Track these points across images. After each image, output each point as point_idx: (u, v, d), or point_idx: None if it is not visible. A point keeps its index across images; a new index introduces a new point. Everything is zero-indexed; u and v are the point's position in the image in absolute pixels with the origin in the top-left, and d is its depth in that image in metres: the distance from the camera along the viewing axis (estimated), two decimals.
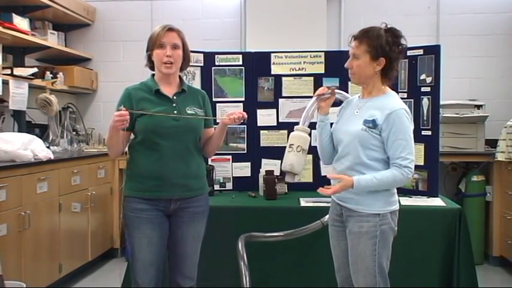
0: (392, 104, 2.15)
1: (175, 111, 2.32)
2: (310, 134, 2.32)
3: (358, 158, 2.17)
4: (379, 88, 2.23)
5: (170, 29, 2.34)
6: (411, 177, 2.14)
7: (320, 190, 2.13)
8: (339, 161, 2.24)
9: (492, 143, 4.36)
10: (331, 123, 2.38)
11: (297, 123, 2.34)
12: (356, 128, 2.18)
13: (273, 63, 3.58)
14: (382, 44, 2.14)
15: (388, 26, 2.21)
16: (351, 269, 2.22)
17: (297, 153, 2.17)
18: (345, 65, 2.24)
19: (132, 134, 2.39)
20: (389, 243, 2.21)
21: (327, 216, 2.68)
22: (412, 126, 2.17)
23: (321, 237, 2.71)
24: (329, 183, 2.39)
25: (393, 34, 2.18)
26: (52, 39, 4.55)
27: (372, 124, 2.14)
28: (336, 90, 2.38)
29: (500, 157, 4.08)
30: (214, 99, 3.52)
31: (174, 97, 2.36)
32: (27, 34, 4.01)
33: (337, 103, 2.45)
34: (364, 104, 2.24)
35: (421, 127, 3.28)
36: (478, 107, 4.41)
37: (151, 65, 2.41)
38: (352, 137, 2.18)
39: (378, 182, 2.11)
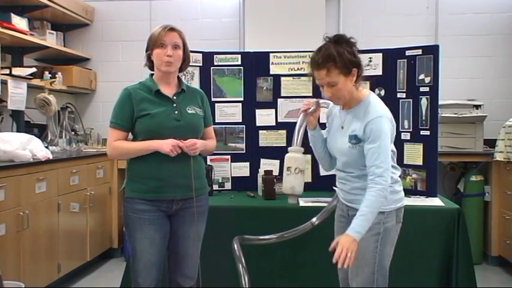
0: (368, 115, 2.13)
1: (176, 112, 2.33)
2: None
3: (359, 171, 2.19)
4: (356, 96, 2.20)
5: (172, 29, 2.34)
6: (388, 184, 2.08)
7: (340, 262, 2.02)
8: (345, 172, 2.25)
9: (491, 143, 4.36)
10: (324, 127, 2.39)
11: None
12: (344, 146, 2.20)
13: (272, 63, 3.58)
14: (347, 58, 2.10)
15: (329, 36, 2.17)
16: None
17: (296, 175, 2.21)
18: (326, 96, 2.20)
19: (130, 135, 2.39)
20: (393, 241, 2.22)
21: (316, 216, 2.68)
22: (389, 132, 2.13)
23: (319, 237, 2.71)
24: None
25: (345, 42, 2.14)
26: (51, 39, 4.55)
27: (355, 140, 2.15)
28: (320, 101, 2.39)
29: (498, 157, 4.08)
30: (213, 99, 3.52)
31: (174, 97, 2.36)
32: (26, 34, 4.01)
33: None
34: (346, 117, 2.24)
35: (420, 127, 3.29)
36: (477, 107, 4.41)
37: (150, 64, 2.40)
38: (343, 155, 2.22)
39: (369, 215, 2.05)
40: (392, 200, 2.19)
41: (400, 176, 2.30)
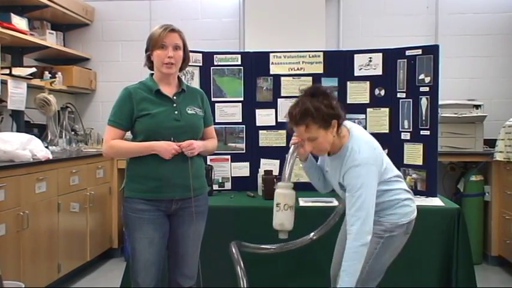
0: (345, 164, 2.12)
1: (176, 112, 2.33)
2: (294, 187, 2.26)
3: None
4: (337, 143, 2.18)
5: (172, 30, 2.33)
6: (364, 232, 2.04)
7: None
8: None
9: (491, 143, 4.36)
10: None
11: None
12: (339, 189, 2.25)
13: (272, 63, 3.58)
14: (326, 112, 2.06)
15: (305, 89, 2.14)
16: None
17: (285, 211, 2.21)
18: (309, 151, 2.19)
19: (129, 134, 2.39)
20: (395, 250, 2.23)
21: (315, 231, 2.69)
22: (369, 177, 2.07)
23: (320, 239, 2.70)
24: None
25: (322, 94, 2.10)
26: (51, 39, 4.55)
27: (343, 186, 2.17)
28: None
29: (498, 157, 4.08)
30: (213, 99, 3.52)
31: (174, 97, 2.36)
32: (26, 34, 4.00)
33: None
34: (331, 163, 2.25)
35: (420, 127, 3.29)
36: (477, 106, 4.40)
37: (150, 65, 2.40)
38: (342, 194, 2.26)
39: (349, 269, 2.03)
40: (401, 214, 2.22)
41: (405, 187, 2.30)
